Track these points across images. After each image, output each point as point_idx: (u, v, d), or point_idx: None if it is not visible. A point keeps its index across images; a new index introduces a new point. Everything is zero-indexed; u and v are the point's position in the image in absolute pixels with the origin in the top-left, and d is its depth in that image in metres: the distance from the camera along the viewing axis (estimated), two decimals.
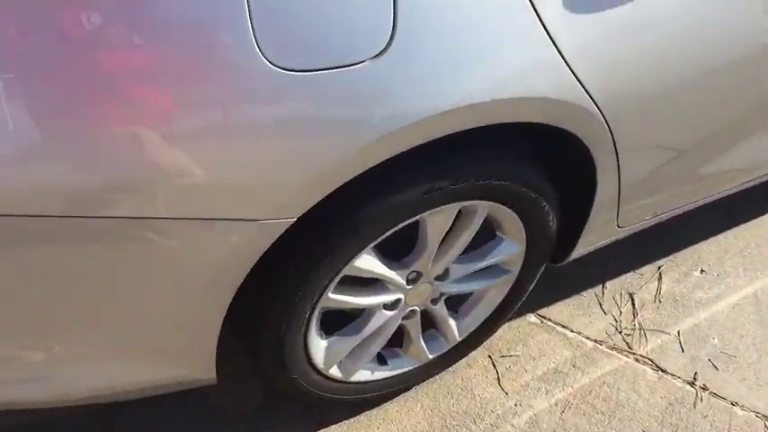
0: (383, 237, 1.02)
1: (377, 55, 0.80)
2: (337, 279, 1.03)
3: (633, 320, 1.61)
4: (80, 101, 0.71)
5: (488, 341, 1.50)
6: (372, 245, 1.03)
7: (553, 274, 1.52)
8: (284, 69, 0.75)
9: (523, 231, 1.20)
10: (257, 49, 0.74)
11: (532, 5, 0.87)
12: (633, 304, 1.66)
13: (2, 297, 0.81)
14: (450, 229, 1.12)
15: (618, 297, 1.67)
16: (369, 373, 1.28)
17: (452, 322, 1.32)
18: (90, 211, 0.76)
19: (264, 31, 0.73)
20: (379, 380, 1.30)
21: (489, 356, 1.50)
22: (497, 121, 0.93)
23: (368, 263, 1.05)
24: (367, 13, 0.79)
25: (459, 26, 0.84)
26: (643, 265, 1.76)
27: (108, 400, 1.03)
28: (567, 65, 0.92)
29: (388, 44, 0.80)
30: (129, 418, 1.30)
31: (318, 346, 1.13)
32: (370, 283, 1.13)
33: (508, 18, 0.87)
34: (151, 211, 0.78)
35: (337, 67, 0.78)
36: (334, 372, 1.20)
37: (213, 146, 0.77)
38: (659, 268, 1.76)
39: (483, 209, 1.11)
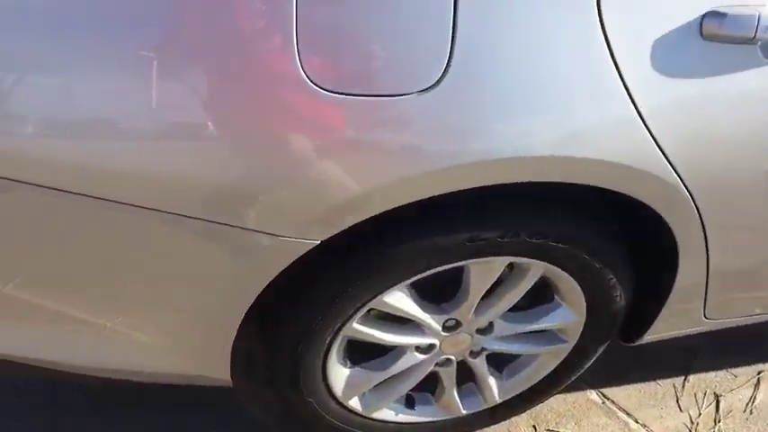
0: (419, 277, 0.97)
1: (425, 89, 0.75)
2: (363, 311, 0.98)
3: (714, 427, 1.40)
4: None
5: (536, 409, 1.38)
6: (407, 283, 0.97)
7: (629, 351, 1.37)
8: (326, 90, 0.73)
9: (584, 301, 1.08)
10: (300, 66, 0.72)
11: (612, 57, 0.78)
12: (717, 408, 1.44)
13: (96, 269, 0.87)
14: (500, 281, 1.04)
15: (700, 395, 1.46)
16: (392, 413, 1.21)
17: (493, 381, 1.22)
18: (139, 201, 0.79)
19: (309, 48, 0.72)
20: (403, 423, 1.23)
21: (534, 426, 1.38)
22: (558, 179, 0.84)
23: (399, 300, 1.00)
24: (421, 45, 0.75)
25: (520, 72, 0.77)
26: (739, 365, 1.53)
27: (132, 377, 1.07)
28: (647, 129, 0.81)
29: (440, 80, 0.75)
30: (148, 412, 1.35)
31: (339, 374, 1.10)
32: (403, 321, 1.07)
33: (580, 68, 0.78)
34: (181, 209, 0.79)
35: (382, 95, 0.75)
36: (354, 404, 1.15)
37: (245, 156, 0.77)
38: (759, 373, 1.51)
39: (537, 268, 1.01)
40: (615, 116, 0.80)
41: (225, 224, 0.80)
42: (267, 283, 0.87)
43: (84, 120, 0.74)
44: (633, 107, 0.80)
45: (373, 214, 0.82)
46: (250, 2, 0.72)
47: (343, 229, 0.83)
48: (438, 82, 0.75)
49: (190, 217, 0.80)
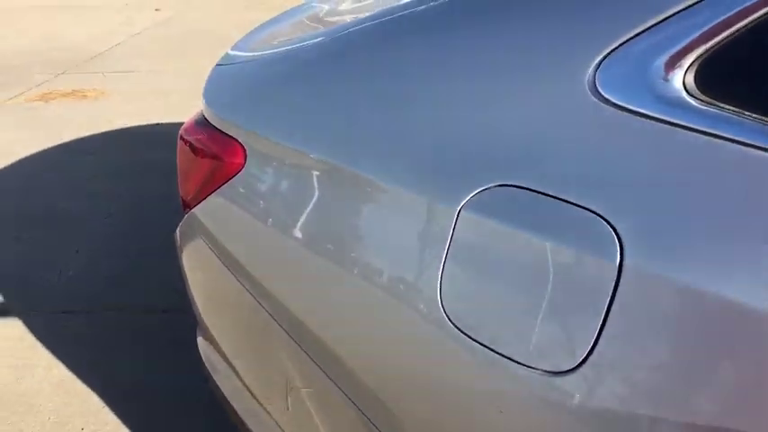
0: None
1: (556, 372, 0.63)
2: None
3: None
4: None
5: None
6: None
7: None
8: (460, 330, 0.70)
9: None
10: (440, 303, 0.71)
11: None
12: None
13: None
14: None
15: None
16: None
17: None
18: None
19: (453, 294, 0.71)
20: None
21: None
22: None
23: None
24: (564, 330, 0.63)
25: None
26: None
27: None
28: None
29: (571, 370, 0.61)
30: None
31: None
32: None
33: None
34: None
35: (517, 362, 0.66)
36: None
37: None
38: None
39: None
40: None
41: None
42: None
43: None
44: None
45: None
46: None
47: None
48: (570, 371, 0.62)
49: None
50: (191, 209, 1.09)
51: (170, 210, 2.67)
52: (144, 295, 2.19)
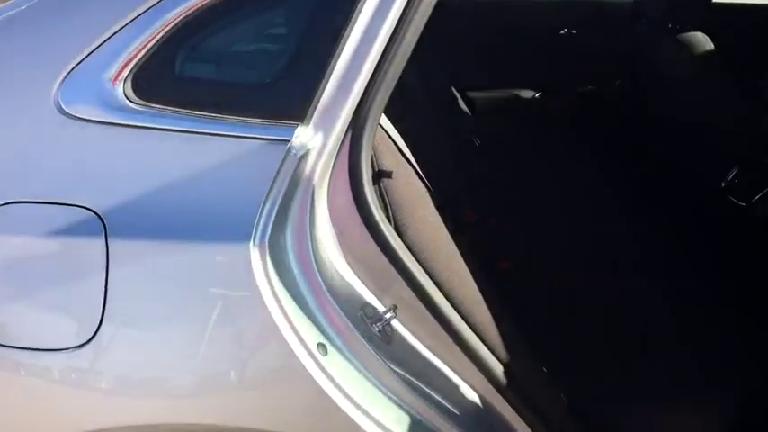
0: None
1: (77, 346, 0.75)
2: None
3: None
4: None
5: None
6: None
7: None
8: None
9: None
10: None
11: None
12: None
13: None
14: None
15: None
16: None
17: None
18: None
19: None
20: None
21: None
22: None
23: None
24: (74, 307, 0.76)
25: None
26: None
27: None
28: None
29: (89, 340, 0.75)
30: None
31: None
32: None
33: None
34: None
35: (38, 349, 0.76)
36: None
37: None
38: None
39: None
40: None
41: None
42: None
43: None
44: None
45: None
46: None
47: None
48: (88, 341, 0.75)
49: None
50: None
51: None
52: None
